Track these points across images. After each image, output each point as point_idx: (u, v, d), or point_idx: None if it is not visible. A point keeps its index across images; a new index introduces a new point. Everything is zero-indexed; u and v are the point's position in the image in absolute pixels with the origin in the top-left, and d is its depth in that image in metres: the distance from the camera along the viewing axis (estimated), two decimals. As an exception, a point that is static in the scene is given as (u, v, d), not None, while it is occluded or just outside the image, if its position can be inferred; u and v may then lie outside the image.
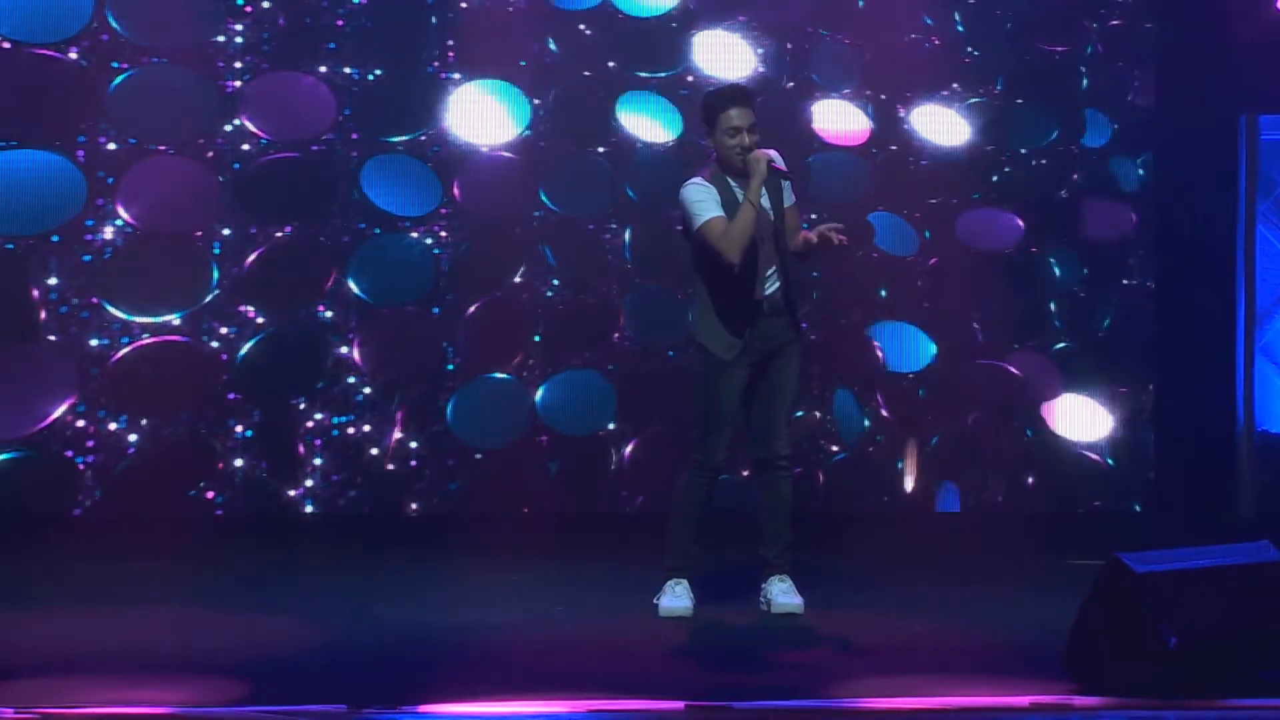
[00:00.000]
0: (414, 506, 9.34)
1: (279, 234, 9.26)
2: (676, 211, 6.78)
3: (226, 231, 9.18)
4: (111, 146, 9.04)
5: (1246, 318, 9.57)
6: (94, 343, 8.98)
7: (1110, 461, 10.08)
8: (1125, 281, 10.15)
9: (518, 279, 9.51)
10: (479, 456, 9.41)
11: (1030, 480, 10.01)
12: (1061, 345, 10.10)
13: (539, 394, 9.48)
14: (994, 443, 9.97)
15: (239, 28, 9.25)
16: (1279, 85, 9.55)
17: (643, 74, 9.68)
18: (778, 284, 6.66)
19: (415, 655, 5.97)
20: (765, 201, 6.63)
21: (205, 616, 6.66)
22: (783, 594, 6.70)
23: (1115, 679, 5.23)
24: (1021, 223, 10.08)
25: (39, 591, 7.18)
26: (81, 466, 8.94)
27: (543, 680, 5.49)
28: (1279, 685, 5.20)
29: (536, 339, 9.49)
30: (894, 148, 9.97)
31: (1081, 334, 10.11)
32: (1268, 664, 5.30)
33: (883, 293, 9.93)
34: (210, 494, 9.12)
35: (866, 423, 9.76)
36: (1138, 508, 10.04)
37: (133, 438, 9.00)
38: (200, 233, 9.17)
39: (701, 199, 6.59)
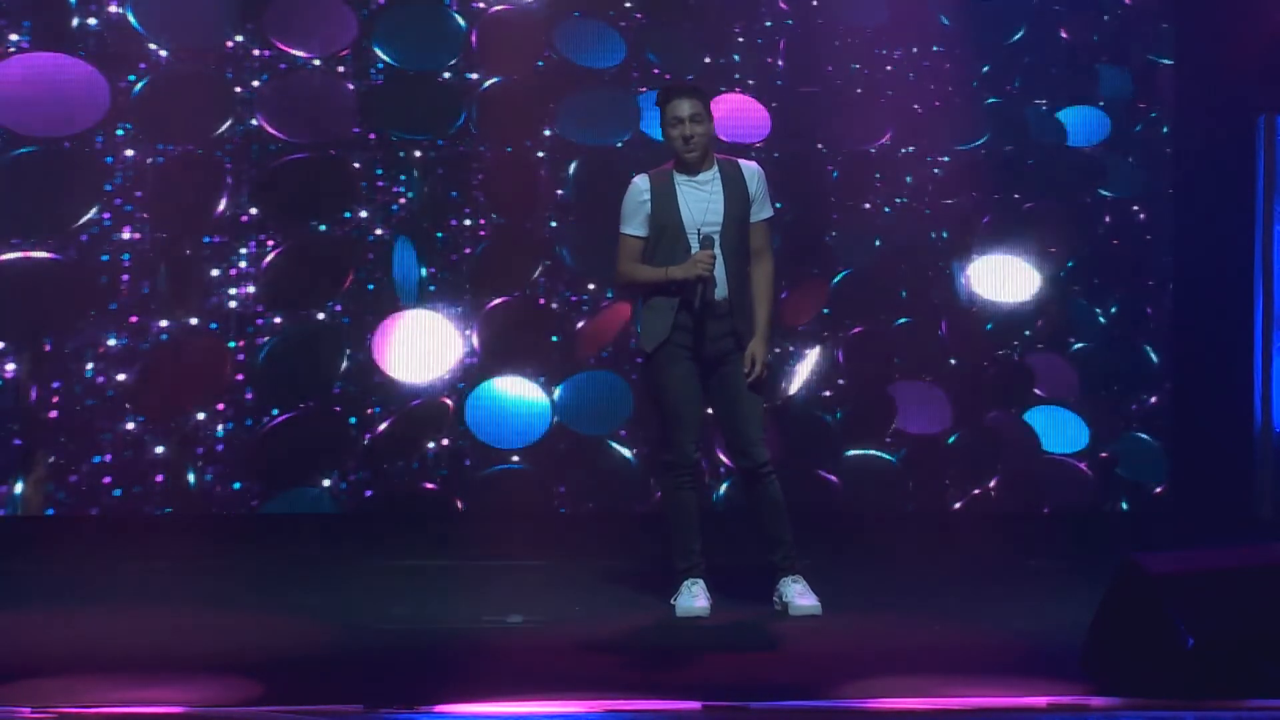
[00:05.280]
0: (431, 507, 9.35)
1: (297, 233, 9.28)
2: None
3: (243, 232, 9.20)
4: (130, 150, 9.07)
5: (1264, 318, 9.54)
6: (111, 342, 9.00)
7: (1127, 463, 10.05)
8: (1142, 282, 10.12)
9: (536, 279, 9.52)
10: (496, 457, 9.43)
11: (1047, 480, 9.99)
12: (1078, 346, 10.08)
13: (556, 394, 9.50)
14: (1012, 443, 9.97)
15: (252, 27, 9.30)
16: (1298, 85, 9.55)
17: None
18: (723, 289, 6.56)
19: (431, 655, 5.98)
20: (718, 206, 6.60)
21: (221, 616, 6.67)
22: (799, 595, 6.68)
23: (1133, 680, 5.21)
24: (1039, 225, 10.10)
25: (56, 591, 7.20)
26: (100, 465, 8.96)
27: (559, 680, 5.49)
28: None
29: (554, 339, 9.51)
30: (908, 150, 9.97)
31: (1098, 335, 10.09)
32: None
33: (903, 293, 9.93)
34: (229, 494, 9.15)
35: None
36: (1154, 509, 10.01)
37: (150, 437, 9.02)
38: (219, 235, 9.19)
39: (631, 211, 6.61)
